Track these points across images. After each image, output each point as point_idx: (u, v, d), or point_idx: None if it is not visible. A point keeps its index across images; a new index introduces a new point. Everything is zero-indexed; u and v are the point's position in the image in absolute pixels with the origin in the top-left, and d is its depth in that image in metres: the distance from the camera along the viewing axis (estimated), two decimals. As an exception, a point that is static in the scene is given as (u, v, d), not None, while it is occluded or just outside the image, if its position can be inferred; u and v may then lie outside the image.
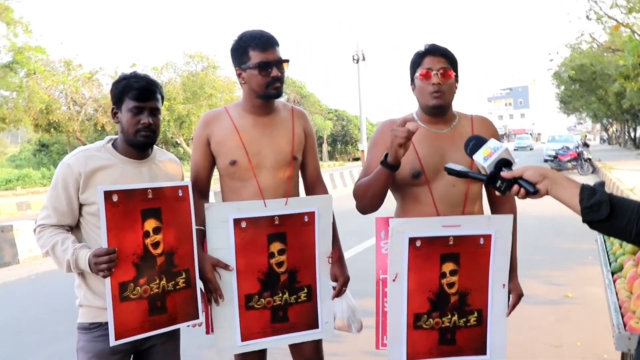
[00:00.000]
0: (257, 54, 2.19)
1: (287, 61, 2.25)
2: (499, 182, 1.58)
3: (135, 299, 2.01)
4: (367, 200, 2.12)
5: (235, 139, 2.25)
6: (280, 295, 2.24)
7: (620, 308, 2.06)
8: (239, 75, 2.27)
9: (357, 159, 34.14)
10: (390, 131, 1.90)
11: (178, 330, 2.24)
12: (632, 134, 44.30)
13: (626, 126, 44.41)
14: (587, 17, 12.52)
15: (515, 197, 1.69)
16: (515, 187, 1.55)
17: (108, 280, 1.94)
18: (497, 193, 1.61)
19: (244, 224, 2.17)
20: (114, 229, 1.94)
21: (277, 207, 2.20)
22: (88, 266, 1.95)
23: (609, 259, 2.67)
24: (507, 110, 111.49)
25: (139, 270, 2.01)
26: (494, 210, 2.33)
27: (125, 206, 1.96)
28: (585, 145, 21.61)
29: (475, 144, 1.70)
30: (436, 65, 2.10)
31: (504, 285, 2.13)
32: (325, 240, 2.29)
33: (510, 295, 2.19)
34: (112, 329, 1.95)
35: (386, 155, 1.96)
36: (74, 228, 2.13)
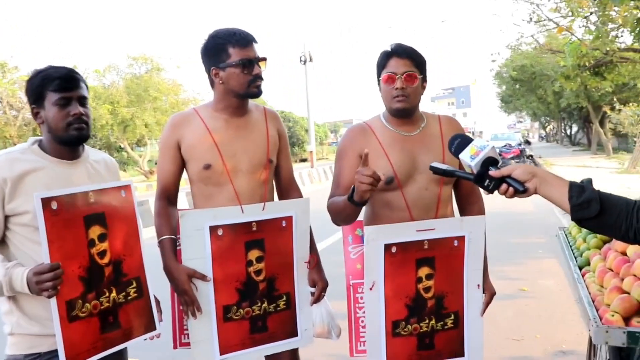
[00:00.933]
0: (238, 51, 2.10)
1: (265, 59, 2.17)
2: (487, 181, 1.55)
3: (85, 317, 1.79)
4: (341, 221, 2.17)
5: (208, 142, 2.14)
6: (259, 304, 2.15)
7: (593, 302, 2.09)
8: (215, 75, 2.15)
9: (304, 160, 34.14)
10: (356, 174, 1.84)
11: (125, 349, 2.04)
12: (568, 132, 46.26)
13: (562, 124, 46.35)
14: (530, 19, 12.93)
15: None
16: (504, 186, 1.53)
17: (54, 300, 1.69)
18: (483, 192, 1.59)
19: (220, 232, 2.06)
20: (56, 240, 1.71)
21: (254, 213, 2.10)
22: (26, 287, 1.70)
23: (573, 254, 2.71)
24: (450, 110, 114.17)
25: (86, 284, 1.80)
26: (463, 212, 2.33)
27: (67, 213, 1.74)
28: (527, 142, 22.42)
29: (460, 142, 1.67)
30: (400, 69, 2.06)
31: (478, 285, 2.13)
32: (303, 246, 2.22)
33: (484, 294, 2.20)
34: (63, 355, 1.72)
35: (353, 189, 1.90)
36: None
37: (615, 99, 22.19)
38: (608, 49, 11.13)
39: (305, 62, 26.93)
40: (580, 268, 2.54)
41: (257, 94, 2.17)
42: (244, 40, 2.11)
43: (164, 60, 29.51)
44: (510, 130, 50.43)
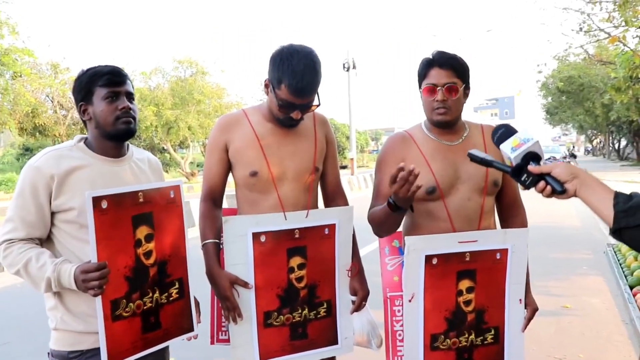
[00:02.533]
0: (287, 93, 2.00)
1: (309, 108, 2.08)
2: (525, 175, 1.47)
3: (128, 316, 1.79)
4: (383, 232, 2.10)
5: (256, 148, 2.12)
6: (300, 311, 2.13)
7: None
8: (266, 85, 2.10)
9: (344, 167, 34.17)
10: (394, 186, 1.77)
11: (166, 348, 2.05)
12: (616, 146, 44.84)
13: (610, 138, 44.96)
14: (581, 29, 12.58)
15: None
16: (542, 184, 1.44)
17: (99, 299, 1.70)
18: (520, 187, 1.52)
19: (263, 238, 2.05)
20: (104, 239, 1.70)
21: (297, 220, 2.08)
22: (73, 283, 1.71)
23: (623, 273, 2.59)
24: (493, 121, 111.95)
25: (131, 284, 1.79)
26: (505, 224, 2.26)
27: (116, 213, 1.73)
28: (573, 155, 21.85)
29: (504, 132, 1.60)
30: (442, 80, 2.00)
31: (520, 300, 2.06)
32: (345, 253, 2.18)
33: (525, 310, 2.12)
34: (105, 354, 1.72)
35: (393, 201, 1.85)
36: (44, 241, 1.87)
37: (668, 113, 21.38)
38: (663, 60, 10.71)
39: (348, 69, 26.91)
40: (632, 287, 2.43)
41: (291, 126, 2.12)
42: (298, 91, 1.99)
43: (209, 64, 30.02)
44: (554, 143, 49.22)
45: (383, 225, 2.03)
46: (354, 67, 26.93)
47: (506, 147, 1.55)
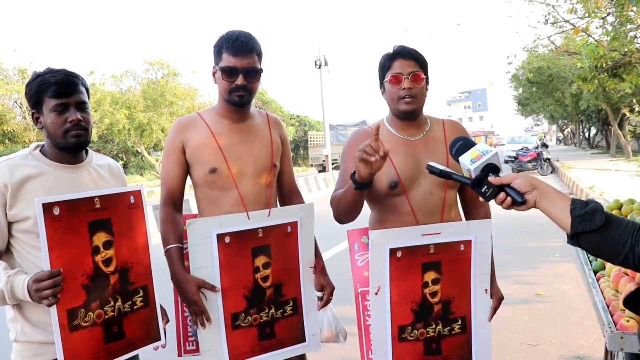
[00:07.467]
0: (227, 57, 2.09)
1: (257, 71, 2.13)
2: (485, 187, 1.48)
3: (88, 326, 1.75)
4: (342, 213, 2.07)
5: (213, 145, 2.12)
6: (267, 310, 2.13)
7: (607, 307, 2.02)
8: (213, 74, 2.16)
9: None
10: (357, 151, 1.80)
11: (137, 356, 2.01)
12: (587, 134, 45.65)
13: (581, 127, 45.73)
14: (547, 20, 12.76)
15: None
16: (502, 195, 1.46)
17: (54, 308, 1.65)
18: (480, 199, 1.52)
19: (227, 239, 2.04)
20: (57, 247, 1.66)
21: (260, 219, 2.08)
22: (27, 294, 1.66)
23: (588, 258, 2.64)
24: (466, 113, 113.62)
25: (89, 292, 1.75)
26: (469, 216, 2.29)
27: (69, 219, 1.69)
28: (544, 145, 22.09)
29: (462, 145, 1.61)
30: (406, 69, 2.04)
31: (486, 290, 2.08)
32: (308, 251, 2.19)
33: (491, 299, 2.14)
34: None
35: (354, 172, 1.87)
36: (4, 253, 1.83)
37: (634, 101, 21.82)
38: (626, 49, 10.92)
39: (320, 66, 26.88)
40: (595, 272, 2.47)
41: (237, 103, 2.14)
42: (235, 48, 2.08)
43: (180, 65, 29.74)
44: (527, 134, 49.87)
45: (342, 203, 2.02)
46: (326, 63, 26.90)
47: (465, 159, 1.56)
